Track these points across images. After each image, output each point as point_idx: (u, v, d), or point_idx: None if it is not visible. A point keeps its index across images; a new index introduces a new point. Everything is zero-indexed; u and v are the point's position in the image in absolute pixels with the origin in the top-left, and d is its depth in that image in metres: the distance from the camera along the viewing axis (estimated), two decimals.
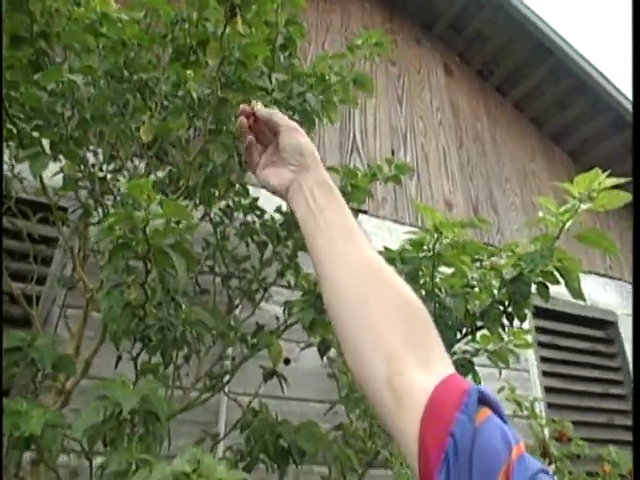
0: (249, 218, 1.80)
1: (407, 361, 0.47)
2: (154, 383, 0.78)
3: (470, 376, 1.40)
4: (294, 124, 0.68)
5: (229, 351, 1.63)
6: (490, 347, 1.40)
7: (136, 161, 1.54)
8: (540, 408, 2.37)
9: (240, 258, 1.64)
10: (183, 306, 0.90)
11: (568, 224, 0.97)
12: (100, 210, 1.29)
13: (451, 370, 0.47)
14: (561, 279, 1.04)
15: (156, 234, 0.69)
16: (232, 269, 1.65)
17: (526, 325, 2.74)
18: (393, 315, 0.50)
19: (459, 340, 1.17)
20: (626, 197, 0.93)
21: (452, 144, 3.23)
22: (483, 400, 0.43)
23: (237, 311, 1.76)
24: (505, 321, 1.10)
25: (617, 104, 3.47)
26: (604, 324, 3.28)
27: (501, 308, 1.06)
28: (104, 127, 1.05)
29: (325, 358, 1.66)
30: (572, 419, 2.53)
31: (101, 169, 1.35)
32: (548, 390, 2.73)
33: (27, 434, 0.71)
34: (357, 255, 0.56)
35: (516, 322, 1.37)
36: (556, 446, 2.18)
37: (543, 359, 2.82)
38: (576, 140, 3.84)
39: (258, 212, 1.76)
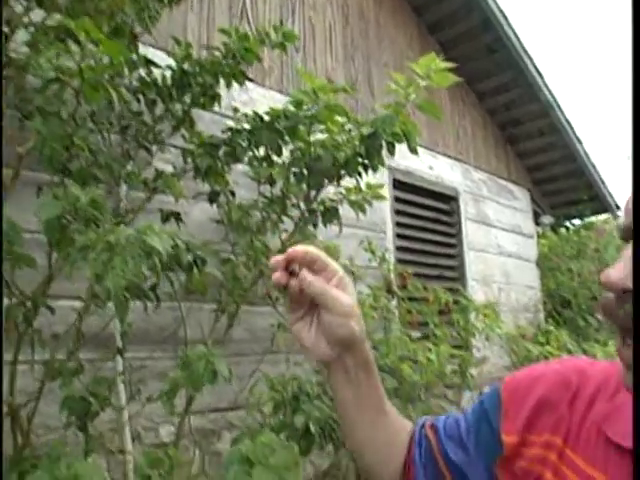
0: (137, 75, 1.84)
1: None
2: (100, 190, 0.97)
3: (334, 220, 1.77)
4: (348, 308, 0.63)
5: (123, 193, 1.78)
6: (352, 197, 1.77)
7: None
8: (390, 261, 2.92)
9: (136, 111, 1.75)
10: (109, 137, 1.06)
11: (412, 96, 1.27)
12: None
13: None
14: (405, 140, 1.37)
15: (89, 69, 0.84)
16: (128, 121, 1.75)
17: (386, 194, 3.22)
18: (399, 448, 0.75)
19: (328, 184, 1.48)
20: (453, 78, 1.25)
21: (338, 22, 3.37)
22: (422, 425, 0.76)
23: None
24: (362, 171, 1.43)
25: (486, 5, 3.81)
26: (448, 198, 3.93)
27: (360, 159, 1.38)
28: None
29: (215, 206, 1.92)
30: (416, 272, 3.17)
31: None
32: (399, 249, 3.33)
33: None
34: (383, 433, 0.73)
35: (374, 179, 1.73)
36: (398, 288, 2.77)
37: (398, 224, 3.38)
38: (448, 34, 4.17)
39: (148, 70, 1.81)
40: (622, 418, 0.60)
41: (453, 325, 2.88)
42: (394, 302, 2.76)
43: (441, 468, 0.72)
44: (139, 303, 2.07)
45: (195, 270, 1.41)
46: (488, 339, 2.71)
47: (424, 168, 3.69)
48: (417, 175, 3.59)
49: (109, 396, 1.33)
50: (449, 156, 4.05)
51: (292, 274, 0.61)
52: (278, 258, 0.63)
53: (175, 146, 2.02)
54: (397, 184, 3.36)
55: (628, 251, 0.52)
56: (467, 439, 0.72)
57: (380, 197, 1.77)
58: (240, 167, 2.11)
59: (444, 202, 3.88)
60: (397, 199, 3.38)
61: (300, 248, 0.63)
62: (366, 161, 1.38)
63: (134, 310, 2.00)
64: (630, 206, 0.55)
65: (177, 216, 1.85)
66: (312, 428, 1.22)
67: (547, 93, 4.43)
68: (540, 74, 4.33)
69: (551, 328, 3.36)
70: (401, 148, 2.88)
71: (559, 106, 4.59)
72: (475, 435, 0.72)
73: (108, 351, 1.96)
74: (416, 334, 2.43)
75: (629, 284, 0.50)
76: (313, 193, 1.53)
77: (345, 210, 2.63)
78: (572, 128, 4.74)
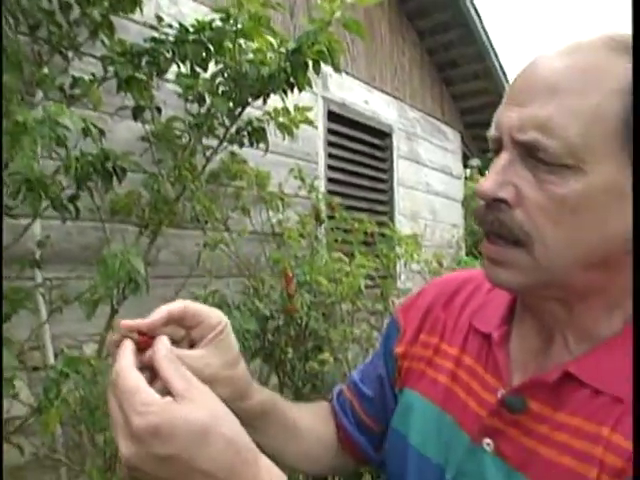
0: None
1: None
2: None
3: (262, 143, 1.78)
4: (208, 379, 0.53)
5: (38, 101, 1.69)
6: (280, 120, 1.78)
7: None
8: (320, 189, 2.98)
9: (47, 10, 1.62)
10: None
11: (338, 13, 1.28)
12: None
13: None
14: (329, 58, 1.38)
15: None
16: (39, 20, 1.62)
17: (320, 125, 3.23)
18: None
19: (253, 101, 1.49)
20: None
21: None
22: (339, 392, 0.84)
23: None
24: (288, 89, 1.44)
25: None
26: (382, 134, 4.00)
27: (285, 76, 1.39)
28: None
29: (141, 124, 1.86)
30: (346, 204, 3.25)
31: None
32: (330, 180, 3.39)
33: None
34: (303, 440, 0.77)
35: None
36: (326, 216, 2.86)
37: (330, 155, 3.42)
38: None
39: None
40: (487, 310, 0.69)
41: (378, 256, 3.03)
42: (322, 230, 2.85)
43: (366, 421, 0.79)
44: (63, 224, 2.02)
45: (116, 180, 1.39)
46: (406, 265, 2.88)
47: (359, 102, 3.71)
48: (352, 108, 3.60)
49: (25, 302, 1.33)
50: (385, 92, 4.08)
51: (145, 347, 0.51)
52: (126, 325, 0.52)
53: (94, 56, 1.90)
54: (331, 116, 3.37)
55: (496, 164, 0.55)
56: (380, 369, 0.79)
57: (308, 121, 1.79)
58: (168, 86, 2.04)
59: (378, 138, 3.95)
60: (330, 131, 3.40)
61: (163, 309, 0.55)
62: (292, 79, 1.39)
63: (56, 228, 1.97)
64: (497, 119, 0.58)
65: (99, 131, 1.77)
66: None
67: (484, 36, 4.50)
68: (479, 15, 4.38)
69: (466, 259, 3.62)
70: (336, 79, 2.88)
71: (494, 51, 4.69)
72: (384, 363, 0.79)
73: (25, 269, 1.91)
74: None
75: (498, 194, 0.54)
76: (239, 110, 1.52)
77: (278, 139, 2.63)
78: (505, 75, 4.88)
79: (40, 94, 1.61)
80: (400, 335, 0.77)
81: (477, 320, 0.69)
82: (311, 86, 1.55)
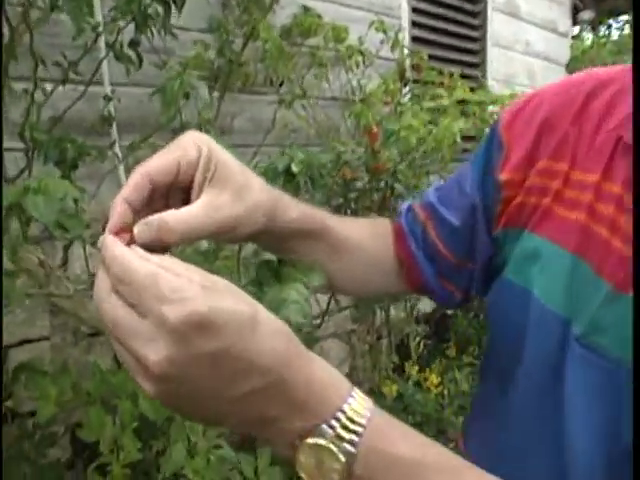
0: None
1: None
2: None
3: None
4: (229, 223, 0.43)
5: None
6: None
7: None
8: (404, 44, 2.64)
9: None
10: None
11: None
12: None
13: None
14: None
15: None
16: None
17: None
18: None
19: None
20: None
21: None
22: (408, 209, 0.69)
23: None
24: None
25: None
26: None
27: None
28: None
29: None
30: (432, 66, 2.89)
31: None
32: (415, 39, 3.01)
33: None
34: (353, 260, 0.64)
35: None
36: (412, 75, 2.57)
37: (415, 10, 3.00)
38: None
39: None
40: None
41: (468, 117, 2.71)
42: (406, 93, 2.58)
43: (439, 249, 0.66)
44: (133, 91, 1.95)
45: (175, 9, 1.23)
46: None
47: None
48: None
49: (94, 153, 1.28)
50: None
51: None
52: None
53: None
54: None
55: None
56: (474, 197, 0.63)
57: None
58: None
59: None
60: None
61: (133, 179, 0.41)
62: None
63: (125, 95, 1.89)
64: None
65: None
66: (295, 169, 1.12)
67: None
68: None
69: None
70: None
71: None
72: (480, 190, 0.62)
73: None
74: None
75: None
76: None
77: None
78: None
79: None
80: (504, 156, 0.59)
81: (629, 131, 0.50)
82: None
